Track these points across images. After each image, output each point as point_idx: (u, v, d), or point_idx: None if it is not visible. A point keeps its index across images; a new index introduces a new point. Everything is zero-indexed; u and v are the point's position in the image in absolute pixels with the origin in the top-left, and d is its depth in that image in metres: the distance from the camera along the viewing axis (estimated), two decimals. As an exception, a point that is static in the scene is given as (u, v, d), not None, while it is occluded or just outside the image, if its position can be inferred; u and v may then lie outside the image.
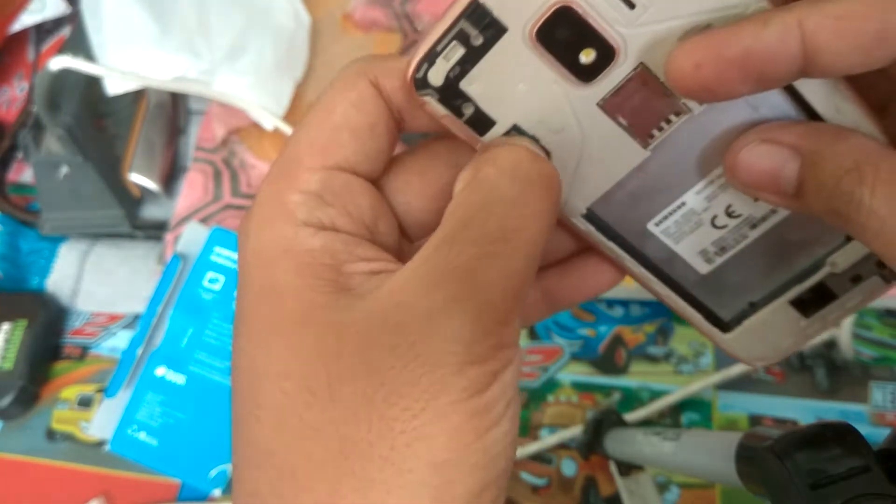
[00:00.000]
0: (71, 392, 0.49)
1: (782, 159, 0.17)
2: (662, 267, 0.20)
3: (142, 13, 0.51)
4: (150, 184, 0.53)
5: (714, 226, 0.19)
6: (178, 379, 0.44)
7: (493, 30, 0.16)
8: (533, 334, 0.49)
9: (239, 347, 0.18)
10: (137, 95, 0.54)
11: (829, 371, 0.46)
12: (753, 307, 0.20)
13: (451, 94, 0.17)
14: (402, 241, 0.20)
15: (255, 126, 0.55)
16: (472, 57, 0.16)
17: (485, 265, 0.16)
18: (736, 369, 0.45)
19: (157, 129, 0.55)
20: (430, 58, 0.16)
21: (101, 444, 0.47)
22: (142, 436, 0.43)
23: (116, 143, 0.53)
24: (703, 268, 0.20)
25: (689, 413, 0.46)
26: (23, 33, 0.63)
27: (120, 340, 0.51)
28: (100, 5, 0.51)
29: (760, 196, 0.18)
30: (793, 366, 0.47)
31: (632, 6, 0.16)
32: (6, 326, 0.49)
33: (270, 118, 0.53)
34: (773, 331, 0.20)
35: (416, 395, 0.15)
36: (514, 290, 0.16)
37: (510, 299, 0.16)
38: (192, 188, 0.54)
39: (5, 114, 0.61)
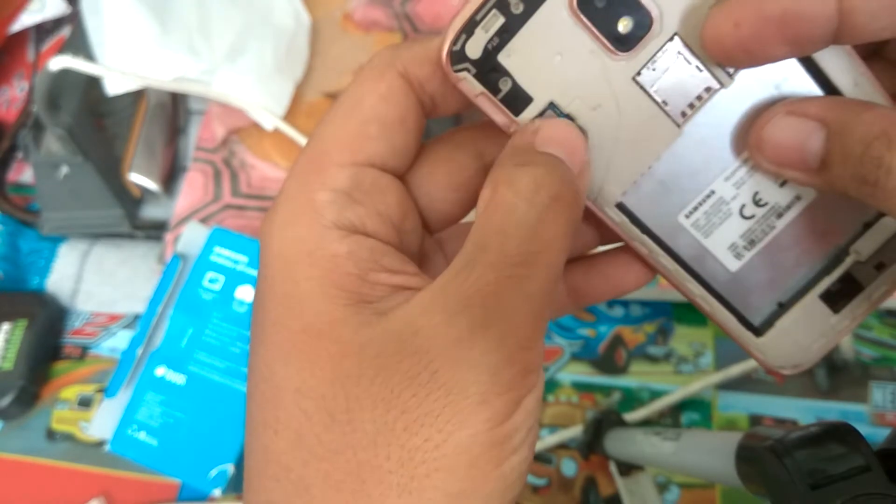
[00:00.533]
0: (71, 392, 0.49)
1: (808, 131, 0.17)
2: (694, 265, 0.19)
3: (142, 13, 0.51)
4: (150, 184, 0.53)
5: (742, 216, 0.19)
6: (178, 379, 0.44)
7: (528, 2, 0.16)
8: (533, 334, 0.49)
9: (257, 353, 0.17)
10: (137, 95, 0.54)
11: (829, 371, 0.46)
12: (782, 307, 0.20)
13: (489, 67, 0.17)
14: (424, 234, 0.20)
15: (255, 126, 0.55)
16: (512, 26, 0.16)
17: (506, 290, 0.15)
18: (736, 369, 0.45)
19: (157, 129, 0.55)
20: (469, 28, 0.16)
21: (101, 444, 0.47)
22: (142, 436, 0.43)
23: (116, 143, 0.53)
24: (733, 264, 0.19)
25: (689, 413, 0.46)
26: (23, 33, 0.63)
27: (120, 340, 0.51)
28: (100, 5, 0.51)
29: (785, 173, 0.18)
30: (793, 366, 0.47)
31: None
32: (6, 326, 0.49)
33: (270, 118, 0.53)
34: (804, 331, 0.20)
35: (439, 426, 0.15)
36: (536, 312, 0.16)
37: (532, 323, 0.16)
38: (192, 188, 0.54)
39: (5, 114, 0.61)
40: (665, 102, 0.18)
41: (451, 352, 0.15)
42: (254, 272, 0.46)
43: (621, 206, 0.19)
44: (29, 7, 0.61)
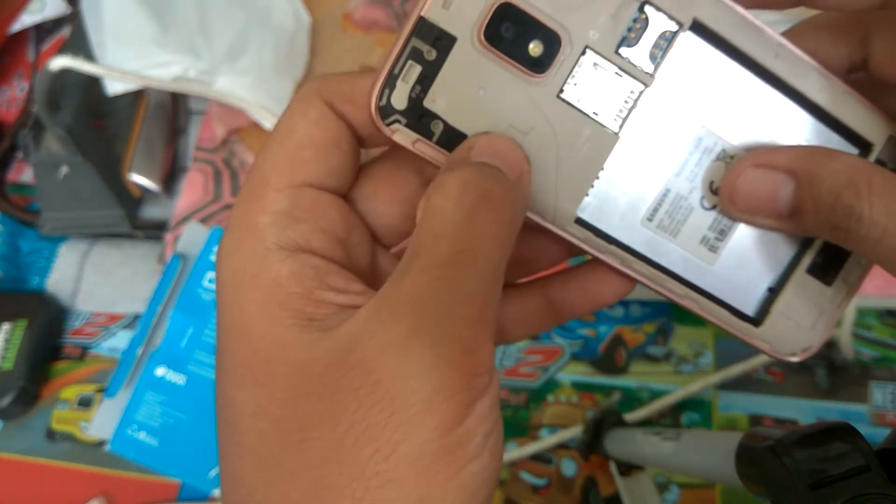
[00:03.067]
0: (71, 392, 0.49)
1: (778, 182, 0.17)
2: (671, 266, 0.19)
3: (142, 13, 0.51)
4: (150, 184, 0.53)
5: (704, 208, 0.19)
6: (178, 379, 0.44)
7: (444, 41, 0.17)
8: (533, 334, 0.49)
9: (217, 380, 0.18)
10: (137, 95, 0.54)
11: (829, 371, 0.46)
12: (774, 292, 0.20)
13: (418, 115, 0.17)
14: (379, 250, 0.20)
15: (255, 126, 0.55)
16: (430, 72, 0.17)
17: (439, 292, 0.15)
18: (736, 369, 0.45)
19: (157, 129, 0.55)
20: (390, 82, 0.17)
21: (101, 444, 0.47)
22: (142, 436, 0.43)
23: (116, 143, 0.53)
24: (710, 258, 0.19)
25: (689, 413, 0.46)
26: (23, 33, 0.63)
27: (120, 340, 0.51)
28: (100, 5, 0.51)
29: (756, 221, 0.18)
30: (793, 366, 0.47)
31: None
32: (6, 326, 0.49)
33: (270, 118, 0.53)
34: (803, 311, 0.19)
35: (386, 437, 0.15)
36: (476, 314, 0.15)
37: (473, 324, 0.15)
38: (192, 188, 0.54)
39: (5, 114, 0.61)
40: (595, 113, 0.18)
41: (391, 360, 0.15)
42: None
43: (581, 222, 0.19)
44: (29, 7, 0.61)
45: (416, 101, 0.17)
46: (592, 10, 0.17)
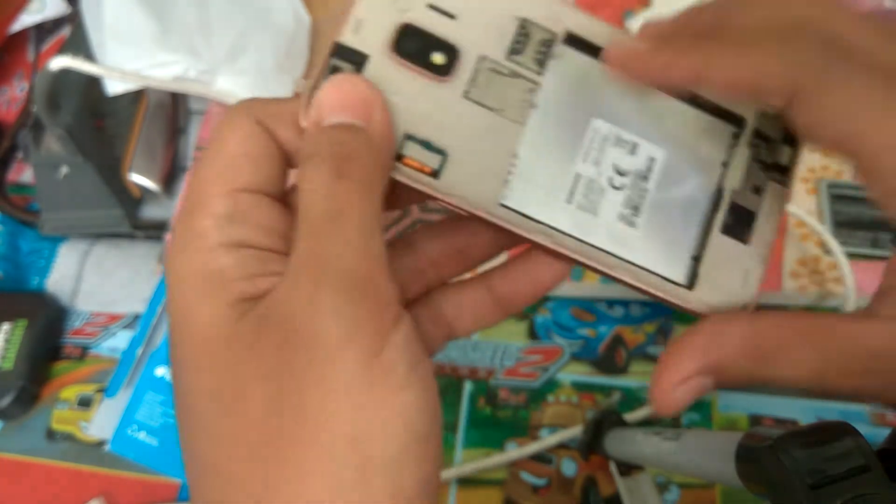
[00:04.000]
0: (71, 392, 0.49)
1: (699, 385, 0.19)
2: (599, 243, 0.20)
3: (142, 13, 0.51)
4: (150, 184, 0.53)
5: (615, 188, 0.20)
6: (178, 379, 0.44)
7: (358, 58, 0.19)
8: (533, 334, 0.49)
9: (172, 375, 0.19)
10: (137, 95, 0.54)
11: (829, 371, 0.46)
12: (697, 260, 0.21)
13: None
14: None
15: (255, 126, 0.55)
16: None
17: (323, 247, 0.17)
18: (736, 369, 0.45)
19: (157, 129, 0.55)
20: (316, 84, 0.19)
21: (101, 444, 0.47)
22: (142, 436, 0.43)
23: (116, 143, 0.53)
24: (633, 233, 0.21)
25: (689, 413, 0.46)
26: (23, 33, 0.63)
27: (120, 340, 0.51)
28: (100, 5, 0.51)
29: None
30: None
31: (451, 17, 0.20)
32: (6, 326, 0.49)
33: (270, 118, 0.53)
34: (728, 270, 0.21)
35: (315, 380, 0.16)
36: (361, 255, 0.17)
37: (362, 264, 0.17)
38: (192, 188, 0.54)
39: (5, 114, 0.61)
40: (501, 109, 0.20)
41: (301, 311, 0.16)
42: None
43: (506, 207, 0.20)
44: (29, 7, 0.61)
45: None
46: (481, 28, 0.20)
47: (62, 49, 0.52)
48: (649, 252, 0.21)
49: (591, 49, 0.21)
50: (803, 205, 0.50)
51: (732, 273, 0.21)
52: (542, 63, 0.20)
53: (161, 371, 0.44)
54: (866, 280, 0.46)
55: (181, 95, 0.58)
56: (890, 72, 0.18)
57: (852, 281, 0.45)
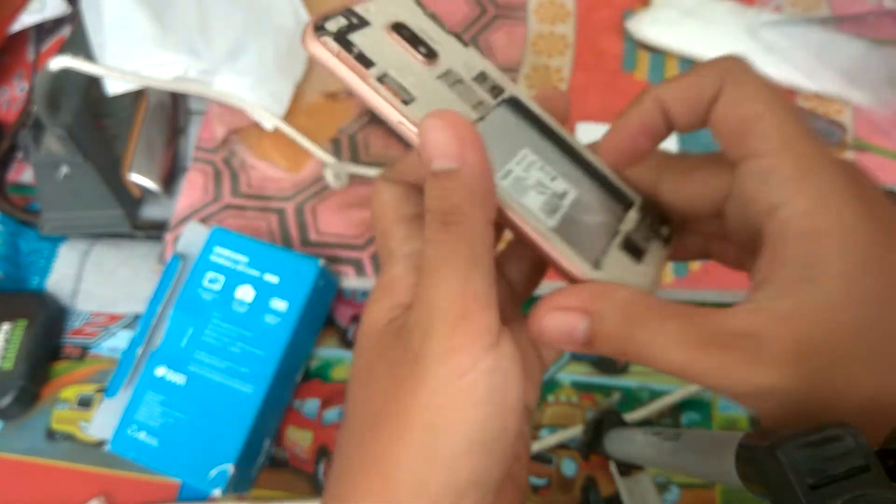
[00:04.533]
0: (71, 392, 0.49)
1: (574, 321, 0.21)
2: (522, 211, 0.22)
3: (142, 13, 0.51)
4: (150, 184, 0.53)
5: (538, 192, 0.23)
6: (178, 379, 0.44)
7: (360, 21, 0.23)
8: (533, 334, 0.49)
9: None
10: (137, 95, 0.54)
11: (829, 371, 0.46)
12: (602, 255, 0.23)
13: (342, 39, 0.22)
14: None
15: (255, 126, 0.55)
16: (350, 27, 0.23)
17: (429, 290, 0.21)
18: (736, 369, 0.45)
19: (157, 129, 0.56)
20: (325, 17, 0.22)
21: (101, 444, 0.47)
22: (142, 436, 0.43)
23: (116, 143, 0.53)
24: (551, 222, 0.23)
25: (689, 413, 0.46)
26: (23, 33, 0.63)
27: (120, 340, 0.51)
28: (100, 5, 0.51)
29: (563, 348, 0.22)
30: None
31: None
32: (6, 326, 0.49)
33: (270, 118, 0.53)
34: (623, 271, 0.23)
35: (415, 382, 0.20)
36: (457, 296, 0.20)
37: (458, 304, 0.20)
38: (192, 188, 0.54)
39: (5, 114, 0.61)
40: (462, 99, 0.24)
41: (419, 333, 0.20)
42: (253, 272, 0.46)
43: None
44: (29, 7, 0.61)
45: (342, 32, 0.22)
46: (455, 54, 0.25)
47: (62, 49, 0.52)
48: (564, 238, 0.23)
49: (529, 113, 0.25)
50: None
51: (626, 277, 0.23)
52: (495, 95, 0.25)
53: (161, 371, 0.44)
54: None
55: (181, 95, 0.58)
56: None
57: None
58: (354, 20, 0.23)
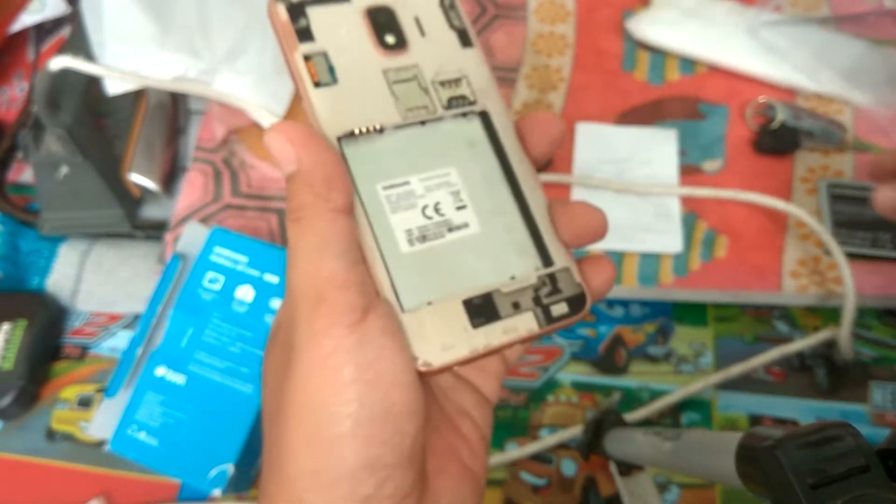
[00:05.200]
0: (71, 392, 0.49)
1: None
2: (377, 229, 0.22)
3: (142, 13, 0.51)
4: (150, 184, 0.53)
5: (423, 214, 0.23)
6: (178, 379, 0.44)
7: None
8: (533, 334, 0.49)
9: None
10: (137, 95, 0.54)
11: (829, 371, 0.46)
12: (430, 305, 0.22)
13: (297, 8, 0.23)
14: None
15: (255, 126, 0.55)
16: (317, 0, 0.23)
17: (289, 276, 0.21)
18: (736, 369, 0.45)
19: (157, 129, 0.55)
20: None
21: (101, 444, 0.47)
22: (142, 436, 0.43)
23: (116, 143, 0.53)
24: (405, 248, 0.22)
25: (689, 413, 0.46)
26: (23, 33, 0.63)
27: (120, 340, 0.51)
28: (100, 5, 0.51)
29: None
30: (793, 366, 0.47)
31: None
32: (6, 326, 0.49)
33: (270, 118, 0.53)
34: (440, 329, 0.21)
35: (292, 371, 0.21)
36: (310, 278, 0.21)
37: (312, 286, 0.21)
38: (192, 188, 0.54)
39: (5, 114, 0.61)
40: (397, 99, 0.23)
41: (287, 322, 0.22)
42: (253, 272, 0.46)
43: (346, 136, 0.23)
44: (29, 7, 0.61)
45: (303, 3, 0.23)
46: (437, 52, 0.24)
47: (62, 49, 0.52)
48: (404, 269, 0.22)
49: (493, 132, 0.24)
50: (803, 205, 0.50)
51: (441, 335, 0.22)
52: (457, 105, 0.24)
53: (161, 371, 0.44)
54: (866, 280, 0.46)
55: (181, 95, 0.58)
56: None
57: (852, 281, 0.45)
58: None
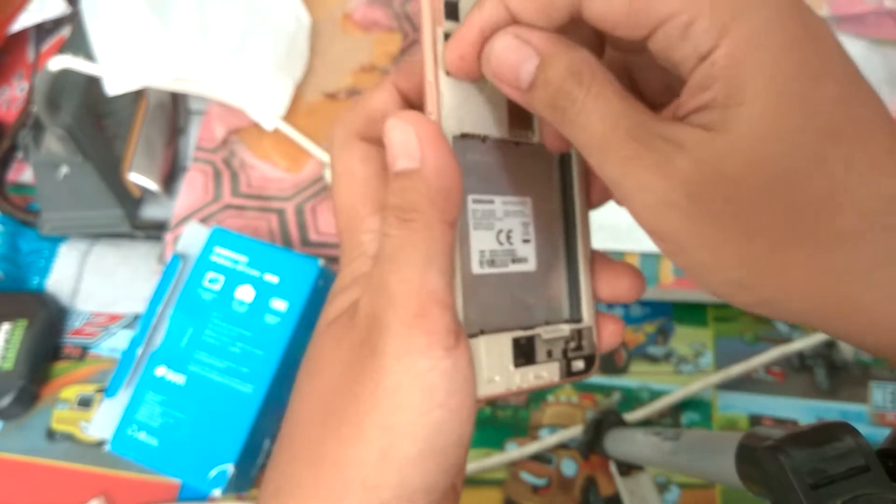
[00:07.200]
0: (71, 392, 0.49)
1: (525, 55, 0.20)
2: (460, 241, 0.21)
3: (142, 13, 0.51)
4: (150, 184, 0.53)
5: (496, 239, 0.22)
6: (178, 379, 0.44)
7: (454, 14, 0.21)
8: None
9: None
10: (137, 95, 0.54)
11: (829, 371, 0.46)
12: (482, 333, 0.21)
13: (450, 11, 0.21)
14: None
15: (255, 126, 0.55)
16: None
17: (386, 280, 0.20)
18: (736, 369, 0.45)
19: (157, 129, 0.55)
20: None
21: (101, 444, 0.47)
22: (142, 436, 0.43)
23: (116, 143, 0.53)
24: (476, 268, 0.22)
25: (689, 413, 0.46)
26: (23, 33, 0.63)
27: (120, 340, 0.51)
28: (100, 5, 0.51)
29: (502, 87, 0.20)
30: (793, 366, 0.47)
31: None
32: (6, 326, 0.49)
33: (270, 118, 0.53)
34: (487, 360, 0.21)
35: (373, 378, 0.19)
36: (415, 290, 0.20)
37: (415, 299, 0.20)
38: (192, 188, 0.54)
39: (5, 114, 0.61)
40: (512, 114, 0.22)
41: (375, 325, 0.20)
42: (253, 272, 0.46)
43: (460, 138, 0.22)
44: (29, 7, 0.61)
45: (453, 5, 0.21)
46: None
47: (62, 49, 0.52)
48: (470, 288, 0.22)
49: (567, 182, 0.24)
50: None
51: (487, 367, 0.22)
52: (533, 130, 0.23)
53: (161, 371, 0.44)
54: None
55: (181, 95, 0.58)
56: None
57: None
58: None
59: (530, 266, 0.23)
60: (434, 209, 0.20)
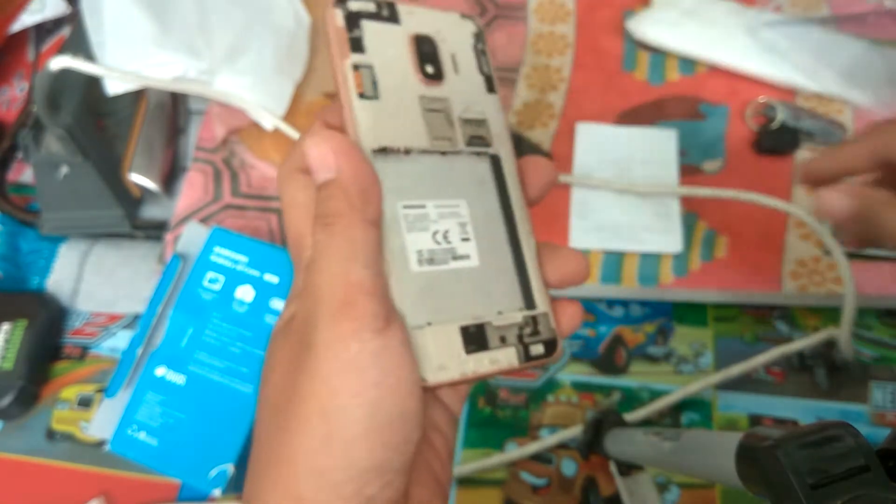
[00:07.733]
0: (71, 392, 0.49)
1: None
2: (393, 242, 0.23)
3: (142, 13, 0.51)
4: (150, 184, 0.53)
5: (433, 239, 0.23)
6: (178, 379, 0.44)
7: (390, 16, 0.24)
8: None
9: None
10: (137, 95, 0.54)
11: (829, 371, 0.46)
12: (430, 325, 0.23)
13: (353, 17, 0.24)
14: None
15: (255, 126, 0.55)
16: (372, 15, 0.24)
17: (313, 280, 0.22)
18: (736, 369, 0.45)
19: (157, 129, 0.55)
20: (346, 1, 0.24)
21: (101, 444, 0.47)
22: (142, 436, 0.43)
23: (116, 143, 0.53)
24: (415, 266, 0.23)
25: (689, 413, 0.46)
26: (23, 33, 0.63)
27: (120, 340, 0.51)
28: (100, 5, 0.51)
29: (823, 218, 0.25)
30: (793, 366, 0.47)
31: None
32: (6, 326, 0.49)
33: (270, 118, 0.53)
34: (435, 349, 0.22)
35: (309, 371, 0.21)
36: (339, 284, 0.21)
37: (340, 291, 0.21)
38: (192, 188, 0.54)
39: (5, 114, 0.61)
40: (426, 123, 0.24)
41: (307, 324, 0.21)
42: (253, 272, 0.46)
43: (379, 151, 0.23)
44: (29, 7, 0.61)
45: (359, 14, 0.24)
46: (466, 91, 0.25)
47: (62, 49, 0.52)
48: (409, 286, 0.23)
49: (500, 174, 0.26)
50: (803, 205, 0.50)
51: (436, 355, 0.23)
52: (473, 143, 0.25)
53: (161, 371, 0.44)
54: (866, 280, 0.46)
55: (181, 95, 0.58)
56: None
57: (852, 281, 0.45)
58: (385, 13, 0.24)
59: (473, 262, 0.24)
60: (354, 211, 0.21)
